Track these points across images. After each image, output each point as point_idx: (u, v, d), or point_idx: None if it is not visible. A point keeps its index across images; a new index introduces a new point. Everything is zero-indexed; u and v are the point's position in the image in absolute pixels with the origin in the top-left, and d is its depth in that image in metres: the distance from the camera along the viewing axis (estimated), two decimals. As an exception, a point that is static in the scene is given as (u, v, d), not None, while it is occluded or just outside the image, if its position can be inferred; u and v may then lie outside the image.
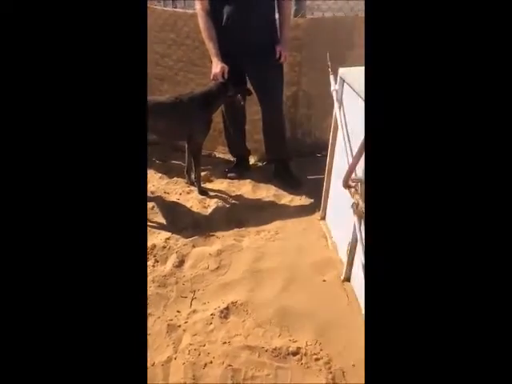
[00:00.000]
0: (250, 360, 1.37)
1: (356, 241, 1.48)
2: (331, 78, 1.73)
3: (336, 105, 1.66)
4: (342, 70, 1.64)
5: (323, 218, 2.09)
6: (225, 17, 2.09)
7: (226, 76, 2.11)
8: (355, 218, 1.36)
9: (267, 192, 2.39)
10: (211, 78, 2.15)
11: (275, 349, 1.40)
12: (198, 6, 2.13)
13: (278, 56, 2.18)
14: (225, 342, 1.43)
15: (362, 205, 1.28)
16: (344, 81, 1.61)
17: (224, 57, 2.11)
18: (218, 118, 2.48)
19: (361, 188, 1.33)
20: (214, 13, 2.10)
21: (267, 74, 2.22)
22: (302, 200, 2.32)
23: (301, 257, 1.86)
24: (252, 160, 2.77)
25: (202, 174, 2.43)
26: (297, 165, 2.58)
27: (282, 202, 2.32)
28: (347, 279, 1.67)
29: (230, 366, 1.34)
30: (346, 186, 1.35)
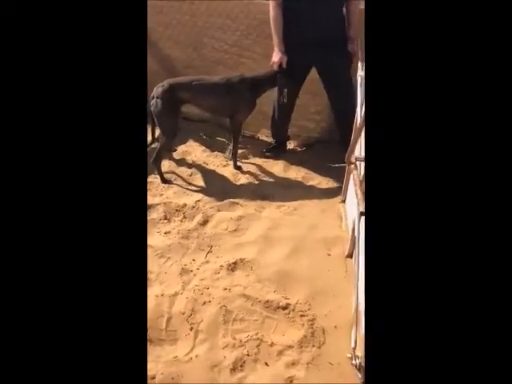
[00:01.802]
0: (243, 306, 1.54)
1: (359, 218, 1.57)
2: (359, 64, 1.81)
3: (359, 90, 1.74)
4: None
5: (343, 201, 2.17)
6: (297, 10, 2.17)
7: (284, 66, 2.25)
8: (357, 194, 1.45)
9: (297, 173, 2.52)
10: (270, 64, 2.32)
11: (268, 301, 1.56)
12: None
13: (350, 55, 2.25)
14: (226, 289, 1.62)
15: (358, 182, 1.38)
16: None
17: (292, 49, 2.22)
18: (262, 101, 2.65)
19: (360, 166, 1.42)
20: (285, 5, 2.19)
21: (336, 67, 2.27)
22: (329, 183, 2.41)
23: (312, 232, 1.97)
24: (291, 145, 2.91)
25: (241, 151, 2.63)
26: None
27: (310, 183, 2.43)
28: (350, 255, 1.76)
29: (224, 306, 1.53)
30: (348, 162, 1.45)
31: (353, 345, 1.34)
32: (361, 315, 1.34)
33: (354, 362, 1.32)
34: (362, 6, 2.33)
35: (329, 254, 1.83)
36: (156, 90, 2.27)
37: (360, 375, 1.27)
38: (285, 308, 1.53)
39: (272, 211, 2.15)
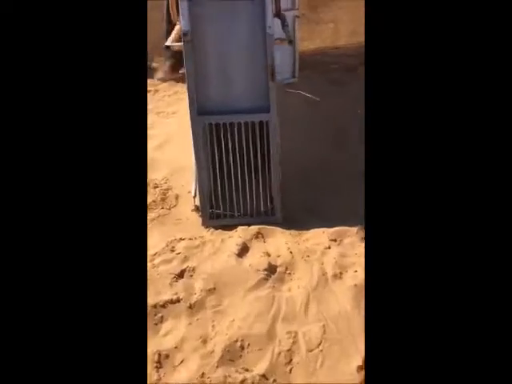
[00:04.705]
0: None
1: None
2: None
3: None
4: None
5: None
6: None
7: None
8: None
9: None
10: None
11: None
12: None
13: None
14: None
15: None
16: None
17: None
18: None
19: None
20: None
21: None
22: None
23: (182, 129, 1.95)
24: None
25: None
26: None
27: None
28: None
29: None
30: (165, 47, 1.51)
31: (193, 194, 1.39)
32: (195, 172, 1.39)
33: (193, 208, 1.37)
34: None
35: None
36: None
37: (201, 221, 1.33)
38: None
39: (151, 117, 2.14)
